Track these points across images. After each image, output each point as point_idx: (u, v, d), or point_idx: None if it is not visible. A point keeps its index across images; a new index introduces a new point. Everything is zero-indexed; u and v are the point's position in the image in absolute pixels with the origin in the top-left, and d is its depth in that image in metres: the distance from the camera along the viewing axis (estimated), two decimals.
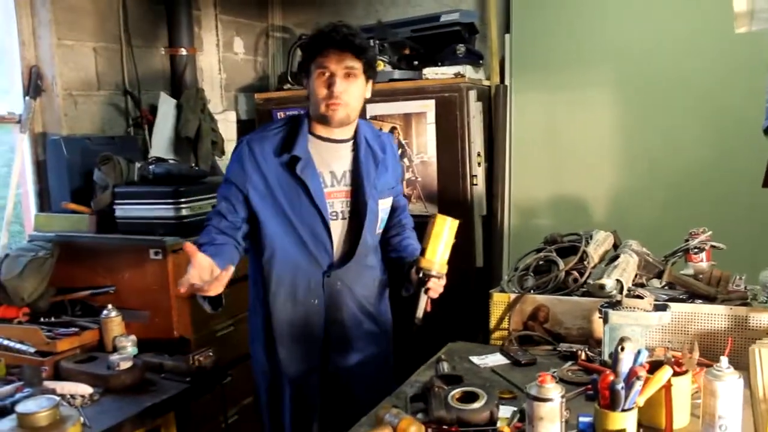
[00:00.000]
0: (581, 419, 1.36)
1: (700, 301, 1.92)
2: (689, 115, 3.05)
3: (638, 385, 1.30)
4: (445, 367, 1.71)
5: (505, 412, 1.52)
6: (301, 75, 1.92)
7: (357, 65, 1.82)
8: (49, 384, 2.00)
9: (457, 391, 1.53)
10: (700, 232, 2.16)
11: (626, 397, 1.29)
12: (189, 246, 1.60)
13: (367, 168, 1.92)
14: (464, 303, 3.11)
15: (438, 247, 1.74)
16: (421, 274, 1.74)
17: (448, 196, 3.17)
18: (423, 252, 1.75)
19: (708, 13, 2.98)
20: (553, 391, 1.28)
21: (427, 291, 1.74)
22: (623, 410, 1.29)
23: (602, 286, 1.96)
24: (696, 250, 2.10)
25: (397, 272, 2.01)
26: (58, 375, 2.14)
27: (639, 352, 1.36)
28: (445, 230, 1.75)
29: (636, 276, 2.05)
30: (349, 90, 1.81)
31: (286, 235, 1.86)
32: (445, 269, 1.76)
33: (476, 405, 1.48)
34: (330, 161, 1.90)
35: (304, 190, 1.84)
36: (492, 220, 3.39)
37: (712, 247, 2.12)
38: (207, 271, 1.60)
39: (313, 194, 1.83)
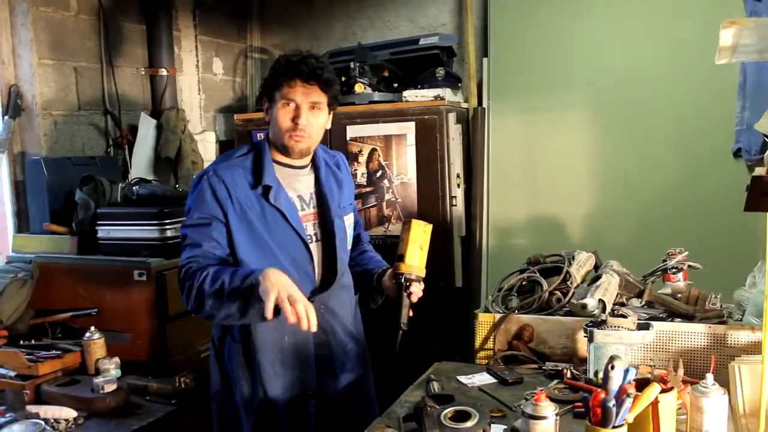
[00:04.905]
0: None
1: (680, 319, 1.98)
2: (663, 138, 3.15)
3: (628, 402, 1.33)
4: (435, 386, 1.73)
5: (496, 430, 1.55)
6: (263, 99, 1.89)
7: (323, 99, 1.80)
8: (32, 408, 1.97)
9: (449, 411, 1.55)
10: (677, 252, 2.23)
11: (617, 414, 1.33)
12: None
13: (330, 188, 1.94)
14: (444, 322, 3.14)
15: (416, 251, 1.77)
16: (403, 280, 1.76)
17: (428, 217, 3.13)
18: (402, 258, 1.77)
19: (683, 41, 3.09)
20: (548, 409, 1.31)
21: (409, 296, 1.76)
22: (614, 427, 1.33)
23: (584, 306, 2.01)
24: (674, 270, 2.17)
25: (364, 286, 2.02)
26: (40, 399, 2.11)
27: (627, 370, 1.40)
28: (421, 234, 1.79)
29: (617, 295, 2.10)
30: (313, 122, 1.80)
31: (269, 265, 1.78)
32: (423, 273, 1.79)
33: (469, 424, 1.50)
34: (296, 186, 1.89)
35: (281, 217, 1.82)
36: (470, 241, 3.44)
37: (689, 267, 2.19)
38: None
39: (290, 219, 1.82)
